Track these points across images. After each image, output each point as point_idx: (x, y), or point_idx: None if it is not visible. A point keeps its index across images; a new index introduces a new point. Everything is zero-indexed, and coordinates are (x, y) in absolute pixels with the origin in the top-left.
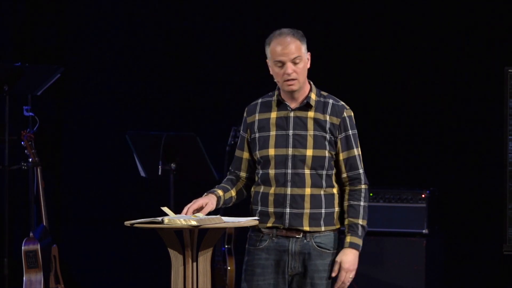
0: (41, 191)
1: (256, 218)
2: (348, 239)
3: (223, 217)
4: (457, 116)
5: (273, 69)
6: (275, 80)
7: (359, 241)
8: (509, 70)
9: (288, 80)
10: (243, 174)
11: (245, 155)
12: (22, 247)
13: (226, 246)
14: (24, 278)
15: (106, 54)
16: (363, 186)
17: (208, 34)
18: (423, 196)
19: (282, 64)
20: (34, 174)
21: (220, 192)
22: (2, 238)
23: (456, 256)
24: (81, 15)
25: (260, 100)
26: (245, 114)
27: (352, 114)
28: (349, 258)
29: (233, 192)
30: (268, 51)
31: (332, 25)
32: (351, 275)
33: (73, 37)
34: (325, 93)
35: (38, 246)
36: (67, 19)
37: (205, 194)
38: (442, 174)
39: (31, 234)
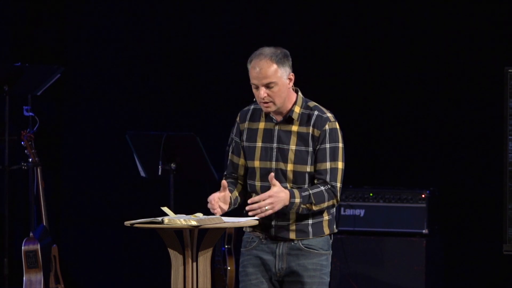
0: (41, 191)
1: (256, 218)
2: (296, 190)
3: (223, 217)
4: (457, 116)
5: (253, 89)
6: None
7: (298, 200)
8: (509, 70)
9: (262, 102)
10: (240, 178)
11: (242, 161)
12: (22, 247)
13: (226, 246)
14: (24, 278)
15: (106, 54)
16: (329, 187)
17: (208, 34)
18: (423, 196)
19: (256, 86)
20: (34, 174)
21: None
22: (2, 238)
23: (456, 256)
24: (81, 15)
25: (252, 107)
26: (238, 119)
27: (337, 126)
28: (281, 194)
29: (236, 193)
30: (248, 69)
31: (333, 24)
32: (270, 206)
33: (73, 37)
34: (312, 105)
35: (38, 246)
36: (67, 19)
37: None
38: (442, 174)
39: (31, 234)
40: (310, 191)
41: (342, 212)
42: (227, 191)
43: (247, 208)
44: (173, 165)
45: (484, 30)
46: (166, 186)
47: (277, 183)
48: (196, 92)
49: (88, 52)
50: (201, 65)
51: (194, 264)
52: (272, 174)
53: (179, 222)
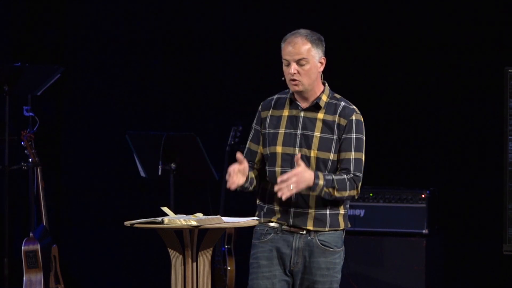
0: (41, 191)
1: (256, 218)
2: (320, 173)
3: (223, 217)
4: (457, 116)
5: (283, 67)
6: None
7: (322, 182)
8: (509, 70)
9: (292, 80)
10: (257, 165)
11: (260, 149)
12: (22, 247)
13: (226, 246)
14: (24, 278)
15: (106, 54)
16: (351, 176)
17: (208, 34)
18: (423, 196)
19: (288, 63)
20: (34, 174)
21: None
22: (2, 238)
23: (456, 256)
24: (81, 15)
25: (276, 96)
26: (259, 108)
27: (361, 119)
28: (306, 174)
29: (252, 175)
30: (282, 47)
31: (333, 25)
32: (294, 184)
33: (73, 37)
34: (338, 96)
35: (38, 246)
36: (67, 19)
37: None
38: (442, 174)
39: (31, 234)
40: (334, 176)
41: None
42: (246, 163)
43: (275, 188)
44: (173, 165)
45: (484, 30)
46: (166, 186)
47: (302, 163)
48: (196, 92)
49: (88, 52)
50: (201, 65)
51: (194, 264)
52: (299, 154)
53: (179, 222)
